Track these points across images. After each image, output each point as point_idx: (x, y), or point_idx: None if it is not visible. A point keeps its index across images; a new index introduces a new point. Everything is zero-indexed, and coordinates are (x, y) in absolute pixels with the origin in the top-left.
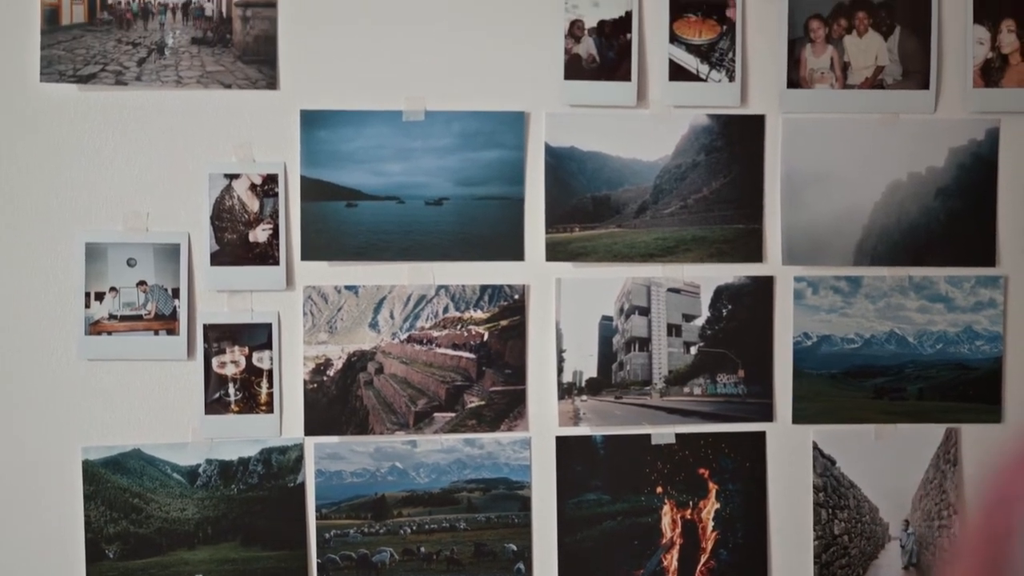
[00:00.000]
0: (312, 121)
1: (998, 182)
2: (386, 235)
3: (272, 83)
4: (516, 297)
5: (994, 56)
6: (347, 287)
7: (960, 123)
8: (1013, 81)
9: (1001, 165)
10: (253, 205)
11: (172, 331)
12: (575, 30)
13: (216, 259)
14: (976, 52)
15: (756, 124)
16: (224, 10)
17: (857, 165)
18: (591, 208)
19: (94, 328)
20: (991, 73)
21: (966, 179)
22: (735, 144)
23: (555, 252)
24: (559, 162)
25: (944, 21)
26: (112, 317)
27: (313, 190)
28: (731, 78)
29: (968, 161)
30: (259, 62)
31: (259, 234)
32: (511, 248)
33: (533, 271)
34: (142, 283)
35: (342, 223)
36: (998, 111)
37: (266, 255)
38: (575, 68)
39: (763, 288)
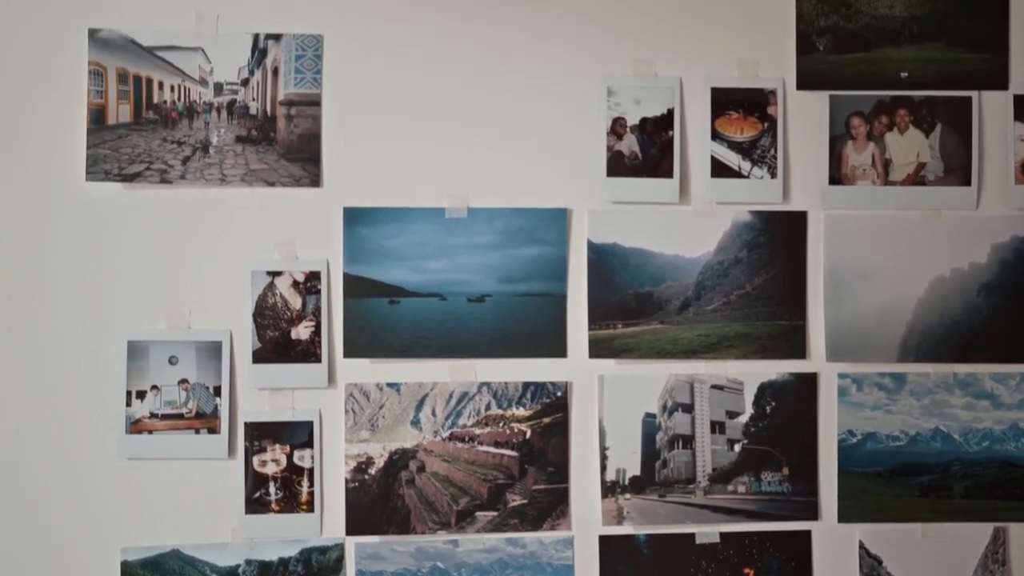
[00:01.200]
0: (355, 218)
1: None
2: (428, 332)
3: (315, 181)
4: (559, 394)
5: None
6: (389, 384)
7: (1002, 219)
8: None
9: None
10: (296, 302)
11: (213, 429)
12: (617, 127)
13: (258, 356)
14: (1017, 149)
15: (798, 220)
16: (269, 109)
17: (900, 261)
18: (634, 304)
19: (135, 427)
20: None
21: (1009, 275)
22: (777, 240)
23: (598, 349)
24: (602, 258)
25: (985, 119)
26: (153, 416)
27: (356, 287)
28: (773, 175)
29: (1011, 257)
30: (303, 160)
31: (301, 331)
32: (554, 345)
33: (576, 368)
34: (184, 381)
35: (384, 320)
36: None
37: (308, 352)
38: (618, 165)
39: (807, 385)
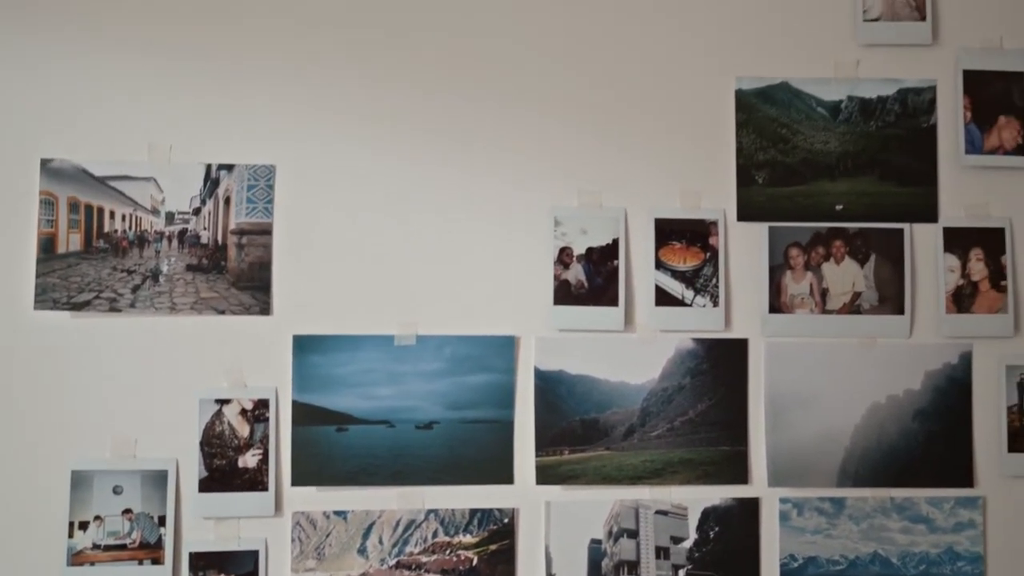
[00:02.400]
0: (304, 346)
1: (972, 405)
2: (376, 459)
3: (266, 309)
4: (506, 521)
5: (965, 283)
6: (336, 512)
7: (934, 347)
8: (983, 307)
9: (975, 388)
10: (243, 430)
11: (157, 560)
12: (564, 257)
13: (204, 485)
14: (948, 279)
15: (740, 348)
16: (220, 238)
17: (838, 388)
18: (580, 431)
19: (76, 559)
20: (962, 299)
21: (942, 402)
22: (719, 367)
23: (545, 475)
24: (548, 385)
25: (916, 250)
26: (96, 547)
27: (304, 414)
28: (715, 303)
29: (944, 384)
30: (253, 288)
31: (249, 459)
32: (501, 471)
33: (523, 494)
34: (128, 511)
35: (333, 447)
36: (970, 336)
37: (255, 481)
38: (564, 293)
39: (749, 510)
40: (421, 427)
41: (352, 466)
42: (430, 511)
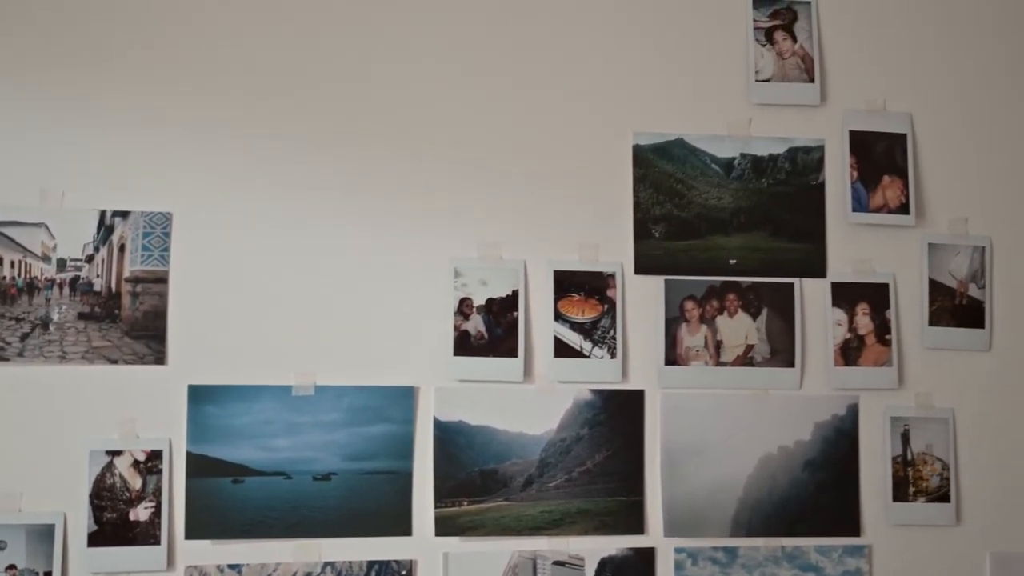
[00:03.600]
0: (200, 396)
1: (859, 455)
2: (273, 511)
3: (160, 358)
4: (404, 573)
5: (852, 337)
6: (230, 566)
7: (823, 399)
8: (869, 360)
9: (861, 439)
10: (136, 482)
11: None
12: (464, 308)
13: (94, 540)
14: (836, 333)
15: (636, 399)
16: (113, 285)
17: (731, 439)
18: (479, 482)
19: None
20: (849, 352)
21: (831, 452)
22: (617, 418)
23: (444, 526)
24: (448, 436)
25: (806, 304)
26: None
27: (199, 466)
28: (612, 355)
29: (832, 435)
30: (147, 337)
31: (140, 512)
32: (399, 523)
33: (421, 546)
34: (11, 567)
35: (228, 500)
36: (857, 388)
37: (147, 534)
38: (464, 344)
39: (645, 560)
40: (319, 478)
41: (248, 518)
42: (327, 564)
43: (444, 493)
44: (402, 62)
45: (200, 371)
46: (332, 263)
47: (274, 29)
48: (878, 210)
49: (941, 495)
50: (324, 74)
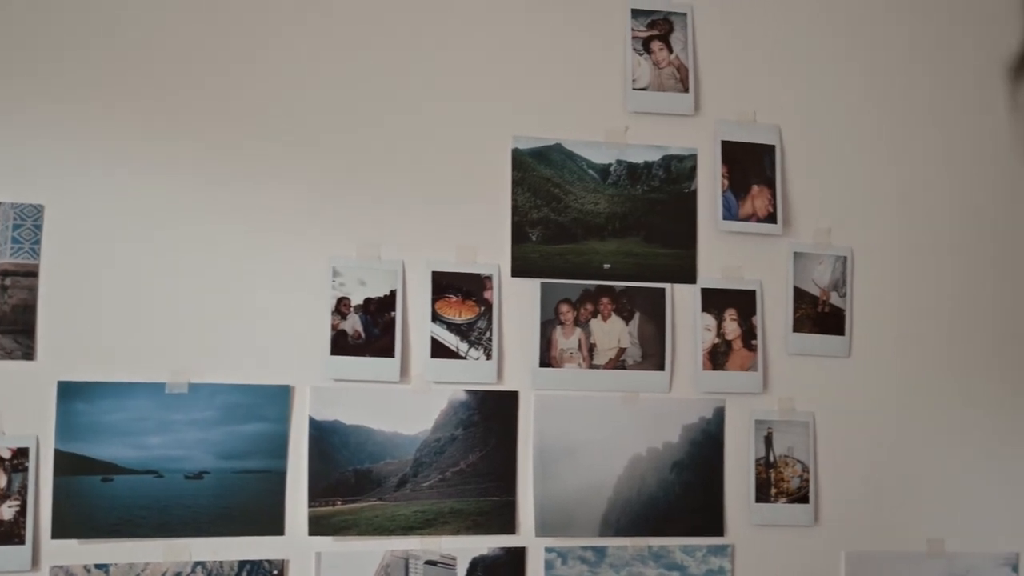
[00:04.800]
0: (70, 393)
1: (724, 457)
2: (143, 510)
3: (28, 354)
4: (275, 573)
5: (720, 342)
6: (98, 566)
7: (692, 402)
8: (736, 365)
9: (727, 442)
10: (0, 480)
11: None
12: (342, 307)
13: None
14: (704, 338)
15: (510, 400)
16: None
17: (602, 440)
18: (353, 481)
19: None
20: (717, 357)
21: (698, 454)
22: (491, 419)
23: (318, 526)
24: (323, 435)
25: (676, 309)
26: None
27: (67, 464)
28: (488, 356)
29: (699, 437)
30: (16, 332)
31: (5, 511)
32: (272, 522)
33: (293, 545)
34: None
35: (97, 498)
36: (724, 392)
37: (11, 534)
38: (341, 344)
39: (516, 559)
40: (191, 477)
41: (117, 517)
42: (197, 563)
43: (318, 493)
44: (282, 59)
45: (70, 367)
46: (209, 260)
47: (147, 19)
48: (747, 219)
49: (801, 496)
50: (201, 68)
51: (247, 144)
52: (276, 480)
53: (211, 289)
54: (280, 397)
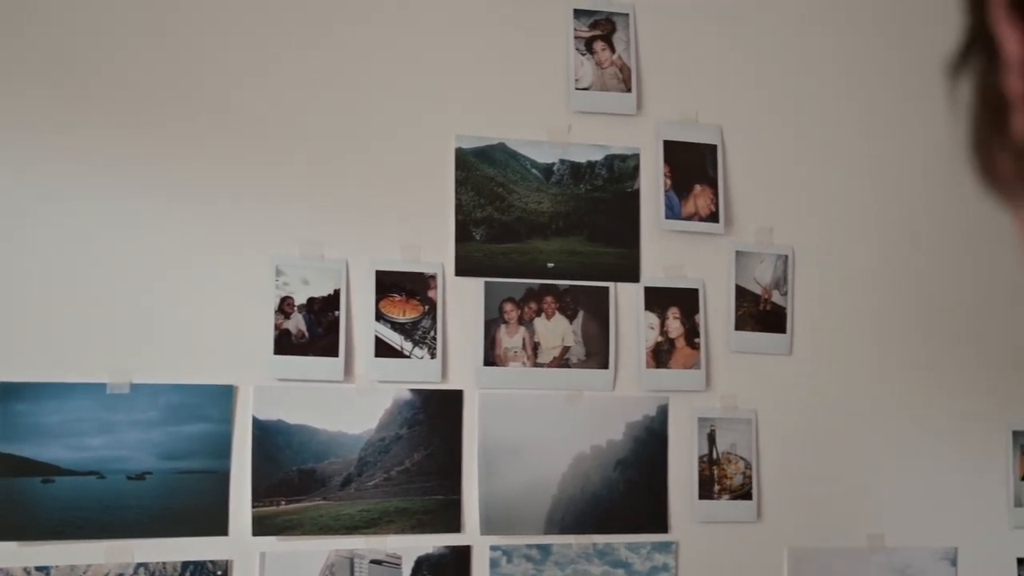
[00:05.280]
0: (9, 394)
1: (668, 455)
2: (84, 512)
3: None
4: (219, 573)
5: (663, 340)
6: (38, 568)
7: (635, 400)
8: (679, 363)
9: (671, 439)
10: None
11: None
12: (285, 306)
13: None
14: (648, 336)
15: (455, 399)
16: None
17: (547, 439)
18: (297, 481)
19: None
20: (661, 355)
21: (642, 451)
22: (436, 418)
23: (262, 526)
24: (267, 435)
25: (620, 308)
26: None
27: (6, 466)
28: (433, 355)
29: (643, 435)
30: None
31: None
32: (215, 523)
33: (237, 546)
34: None
35: (37, 500)
36: (667, 390)
37: None
38: (284, 343)
39: (461, 558)
40: (133, 478)
41: (58, 519)
42: (140, 565)
43: (262, 493)
44: (225, 57)
45: (9, 368)
46: (151, 259)
47: (79, 9)
48: (689, 218)
49: (743, 493)
50: (139, 66)
51: (190, 143)
52: (219, 480)
53: (153, 288)
54: (223, 397)
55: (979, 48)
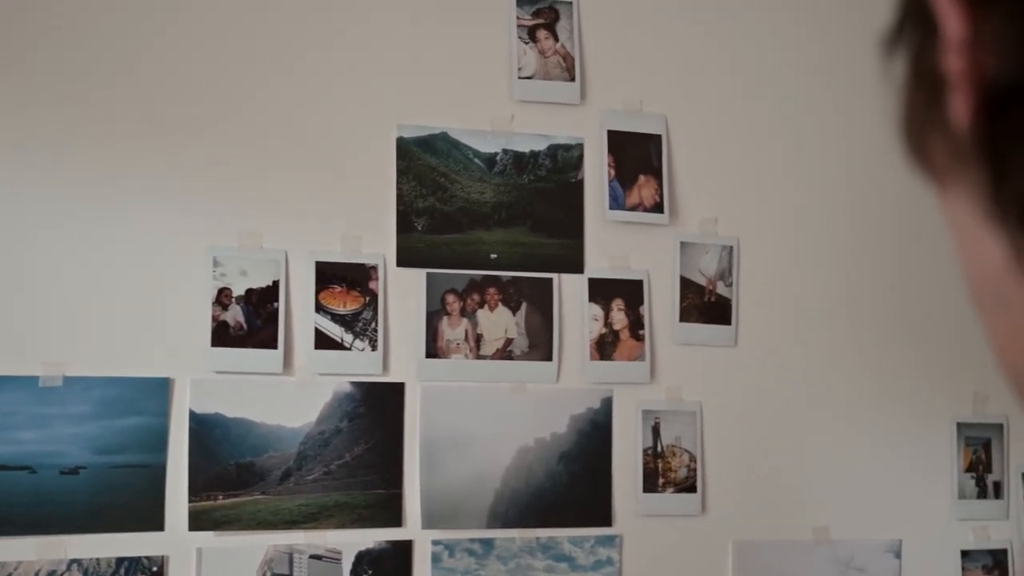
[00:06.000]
0: None
1: (612, 447)
2: (15, 507)
3: None
4: (155, 569)
5: (607, 332)
6: None
7: (579, 392)
8: (623, 355)
9: (615, 432)
10: None
11: None
12: (223, 298)
13: None
14: (592, 328)
15: (397, 391)
16: None
17: (490, 432)
18: (235, 475)
19: None
20: (605, 347)
21: (586, 444)
22: (376, 411)
23: (198, 521)
24: (204, 428)
25: (564, 299)
26: None
27: None
28: (374, 347)
29: (587, 428)
30: None
31: None
32: (151, 518)
33: (173, 541)
34: None
35: None
36: (611, 382)
37: None
38: (222, 335)
39: (403, 552)
40: (66, 472)
41: None
42: (72, 561)
43: (199, 487)
44: (161, 44)
45: None
46: (84, 249)
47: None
48: (634, 208)
49: (688, 486)
50: (71, 54)
51: (125, 131)
52: (155, 475)
53: (87, 278)
54: (159, 390)
55: (914, 24)
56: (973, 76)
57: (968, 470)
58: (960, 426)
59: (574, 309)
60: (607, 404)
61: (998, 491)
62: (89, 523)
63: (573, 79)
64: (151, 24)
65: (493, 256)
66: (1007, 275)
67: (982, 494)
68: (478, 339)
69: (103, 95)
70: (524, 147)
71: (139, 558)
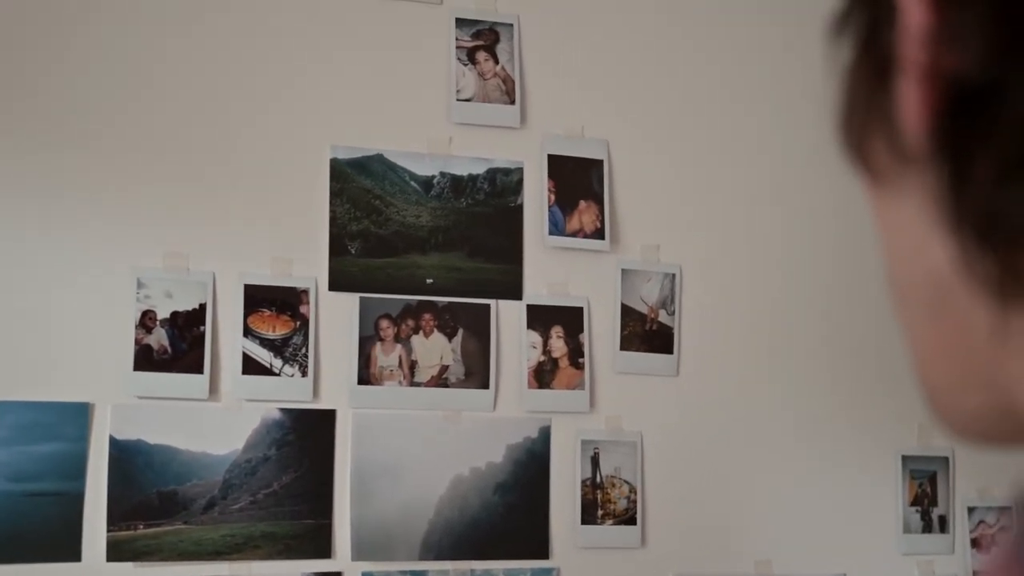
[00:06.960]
0: None
1: (550, 478)
2: None
3: None
4: None
5: (546, 359)
6: None
7: (516, 421)
8: (562, 383)
9: (553, 462)
10: None
11: None
12: (147, 320)
13: None
14: (530, 355)
15: (327, 419)
16: None
17: (424, 460)
18: (157, 504)
19: None
20: (543, 375)
21: (522, 474)
22: (306, 438)
23: (117, 552)
24: (125, 455)
25: (501, 326)
26: None
27: None
28: (304, 373)
29: (523, 457)
30: None
31: None
32: (67, 548)
33: (90, 572)
34: None
35: None
36: (549, 411)
37: None
38: (146, 359)
39: None
40: None
41: None
42: None
43: (118, 516)
44: (85, 62)
45: None
46: (2, 268)
47: None
48: (574, 234)
49: (628, 518)
50: (16, 69)
51: (48, 148)
52: (72, 503)
53: (4, 300)
54: (78, 415)
55: (866, 9)
56: (934, 71)
57: (913, 503)
58: (905, 458)
59: (512, 336)
60: (545, 433)
61: (943, 525)
62: (2, 553)
63: (513, 102)
64: (78, 43)
65: (429, 281)
66: (951, 283)
67: (927, 528)
68: (412, 366)
69: (26, 110)
70: (462, 170)
71: None
